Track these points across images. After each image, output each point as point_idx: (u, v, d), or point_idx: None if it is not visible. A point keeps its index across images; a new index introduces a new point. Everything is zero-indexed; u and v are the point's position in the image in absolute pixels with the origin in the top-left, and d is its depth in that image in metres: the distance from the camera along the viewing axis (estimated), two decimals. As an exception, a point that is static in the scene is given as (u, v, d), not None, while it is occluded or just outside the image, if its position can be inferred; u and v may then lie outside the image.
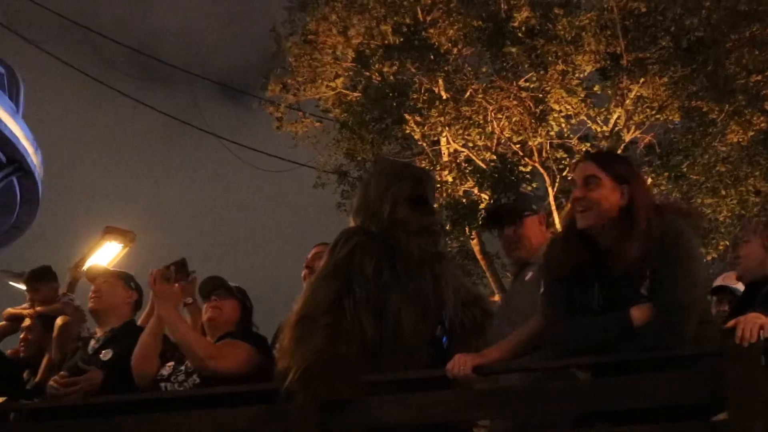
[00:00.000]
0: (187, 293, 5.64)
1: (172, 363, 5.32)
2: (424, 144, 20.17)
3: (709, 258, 18.55)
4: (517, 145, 20.02)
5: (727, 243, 16.61)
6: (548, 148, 19.91)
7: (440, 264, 4.58)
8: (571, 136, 20.06)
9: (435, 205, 4.79)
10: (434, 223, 4.65)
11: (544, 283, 4.24)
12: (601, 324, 4.04)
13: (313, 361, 4.28)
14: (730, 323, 3.88)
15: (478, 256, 20.77)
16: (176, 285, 5.34)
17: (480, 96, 19.61)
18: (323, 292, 4.46)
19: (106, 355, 5.54)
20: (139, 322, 5.96)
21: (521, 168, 19.87)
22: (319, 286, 4.51)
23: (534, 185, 20.34)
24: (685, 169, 19.12)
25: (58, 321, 6.66)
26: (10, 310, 7.60)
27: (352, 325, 4.36)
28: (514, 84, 19.51)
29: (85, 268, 9.92)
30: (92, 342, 5.74)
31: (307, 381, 4.25)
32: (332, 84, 21.41)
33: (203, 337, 5.33)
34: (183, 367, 5.26)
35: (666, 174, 19.16)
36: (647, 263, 4.00)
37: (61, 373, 5.50)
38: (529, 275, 4.56)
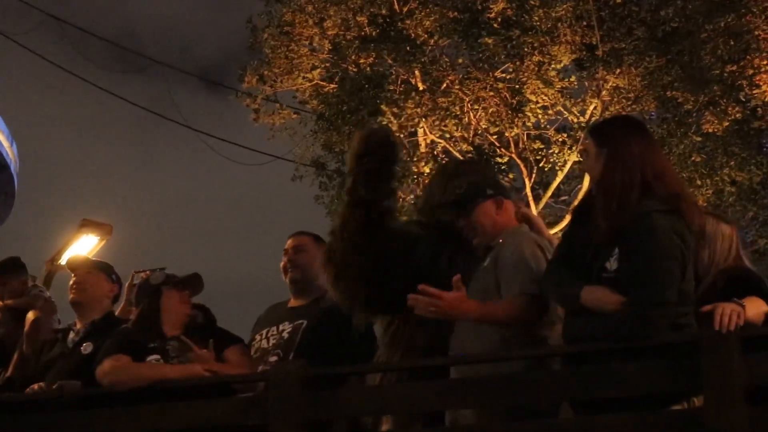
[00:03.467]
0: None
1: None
2: (401, 135, 20.15)
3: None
4: (494, 136, 20.05)
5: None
6: (525, 139, 19.95)
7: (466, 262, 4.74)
8: (548, 127, 20.12)
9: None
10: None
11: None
12: (561, 287, 4.09)
13: None
14: (707, 308, 3.87)
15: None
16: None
17: (456, 87, 19.61)
18: None
19: (86, 348, 5.46)
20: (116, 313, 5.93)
21: (498, 159, 19.91)
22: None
23: (511, 176, 20.39)
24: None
25: (30, 314, 6.58)
26: None
27: None
28: (491, 75, 19.51)
29: (64, 259, 9.87)
30: (71, 334, 5.68)
31: None
32: (309, 75, 21.35)
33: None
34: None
35: (642, 164, 19.18)
36: (616, 242, 3.98)
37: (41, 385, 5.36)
38: (486, 261, 4.58)
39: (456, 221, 4.72)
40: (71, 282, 5.85)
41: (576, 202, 4.69)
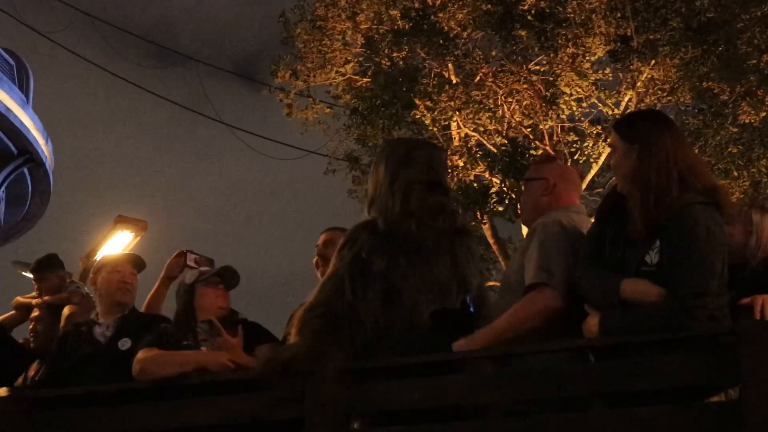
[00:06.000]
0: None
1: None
2: (435, 129, 20.11)
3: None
4: (528, 129, 19.98)
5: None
6: (559, 131, 19.88)
7: (460, 242, 4.57)
8: (582, 119, 20.02)
9: (448, 183, 4.78)
10: (448, 204, 4.62)
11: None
12: (598, 282, 4.08)
13: (292, 356, 4.30)
14: (745, 300, 3.88)
15: (490, 241, 20.77)
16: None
17: (490, 80, 19.55)
18: (328, 289, 4.47)
19: (124, 344, 5.44)
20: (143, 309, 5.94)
21: (532, 152, 19.83)
22: (325, 285, 4.52)
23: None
24: (696, 151, 19.02)
25: (65, 310, 6.63)
26: (18, 298, 7.51)
27: (355, 315, 4.37)
28: (524, 67, 19.44)
29: (100, 255, 9.89)
30: (97, 329, 5.65)
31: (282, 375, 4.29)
32: (342, 70, 21.37)
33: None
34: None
35: (678, 156, 19.05)
36: (657, 236, 3.99)
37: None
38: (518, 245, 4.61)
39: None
40: (117, 279, 5.79)
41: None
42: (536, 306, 4.30)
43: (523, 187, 4.97)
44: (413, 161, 4.58)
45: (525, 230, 5.57)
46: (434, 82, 19.89)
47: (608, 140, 4.12)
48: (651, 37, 18.78)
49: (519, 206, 4.83)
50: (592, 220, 4.58)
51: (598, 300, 4.14)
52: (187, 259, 6.06)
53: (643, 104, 19.35)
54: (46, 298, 7.22)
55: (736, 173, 18.95)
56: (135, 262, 6.03)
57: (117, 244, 12.26)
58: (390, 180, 4.54)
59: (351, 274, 4.43)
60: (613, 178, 4.51)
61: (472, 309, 4.56)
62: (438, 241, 4.49)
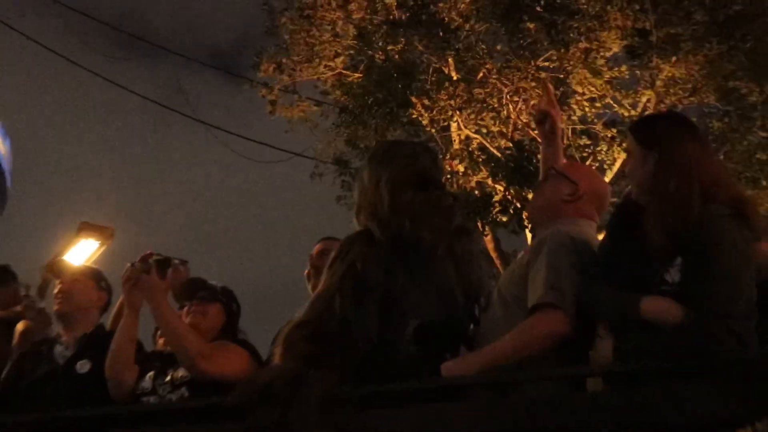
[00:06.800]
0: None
1: (151, 373, 5.28)
2: (433, 130, 20.11)
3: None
4: (535, 132, 19.97)
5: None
6: (570, 134, 19.87)
7: (461, 242, 4.56)
8: (596, 121, 20.01)
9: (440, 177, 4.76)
10: (443, 198, 4.61)
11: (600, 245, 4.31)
12: (613, 302, 4.06)
13: (272, 380, 4.28)
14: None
15: (493, 254, 20.74)
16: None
17: (494, 77, 19.55)
18: (318, 306, 4.45)
19: (83, 366, 5.44)
20: (108, 327, 5.90)
21: (540, 156, 19.77)
22: (315, 301, 4.50)
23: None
24: (721, 158, 19.06)
25: (19, 326, 6.58)
26: None
27: (348, 335, 4.35)
28: (532, 63, 19.44)
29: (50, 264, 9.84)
30: (58, 347, 5.64)
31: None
32: (331, 64, 21.37)
33: (197, 334, 5.26)
34: (168, 378, 5.22)
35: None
36: (678, 252, 3.96)
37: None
38: (520, 254, 4.58)
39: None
40: (56, 290, 5.83)
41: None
42: (544, 329, 4.26)
43: (546, 177, 4.92)
44: (396, 156, 4.61)
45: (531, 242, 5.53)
46: (433, 79, 19.89)
47: (624, 144, 4.10)
48: (672, 31, 18.78)
49: (531, 199, 4.78)
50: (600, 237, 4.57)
51: (612, 321, 4.12)
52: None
53: (662, 105, 19.36)
54: (-2, 313, 7.16)
55: (765, 182, 18.96)
56: (67, 268, 6.06)
57: (81, 253, 12.20)
58: (375, 180, 4.55)
59: (343, 290, 4.41)
60: (628, 187, 4.47)
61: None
62: (436, 241, 4.47)
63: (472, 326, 4.51)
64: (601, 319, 4.18)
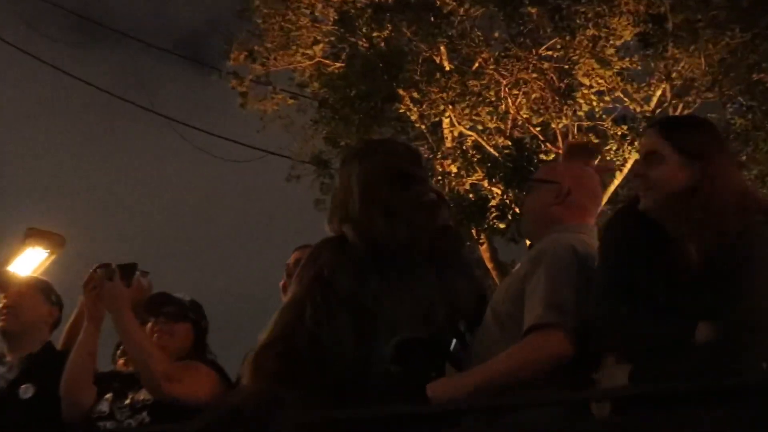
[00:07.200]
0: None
1: (109, 395, 5.26)
2: (423, 126, 20.13)
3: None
4: (537, 128, 20.01)
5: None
6: (575, 131, 19.90)
7: (446, 243, 4.55)
8: (604, 117, 20.06)
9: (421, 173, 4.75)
10: (424, 193, 4.59)
11: (600, 268, 4.24)
12: (666, 332, 4.02)
13: (241, 402, 4.27)
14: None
15: (489, 265, 20.71)
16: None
17: (491, 67, 19.59)
18: (285, 320, 4.44)
19: (26, 391, 5.41)
20: (59, 346, 5.86)
21: (542, 156, 19.85)
22: (282, 314, 4.49)
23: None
24: (744, 158, 19.11)
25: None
26: None
27: (320, 350, 4.33)
28: (534, 53, 19.50)
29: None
30: (1, 368, 5.61)
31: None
32: (309, 52, 21.38)
33: (162, 352, 5.23)
34: (127, 401, 5.20)
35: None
36: (714, 266, 3.96)
37: None
38: (516, 266, 4.56)
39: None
40: (0, 305, 5.79)
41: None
42: (543, 352, 4.24)
43: (528, 190, 4.94)
44: (371, 152, 4.65)
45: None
46: (423, 69, 19.88)
47: (641, 143, 4.08)
48: (690, 17, 18.84)
49: (521, 218, 4.79)
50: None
51: (655, 344, 4.07)
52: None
53: (677, 100, 19.41)
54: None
55: (792, 185, 19.04)
56: (12, 280, 6.03)
57: (28, 263, 12.17)
58: (346, 177, 4.58)
59: (313, 299, 4.40)
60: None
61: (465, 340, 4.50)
62: (414, 241, 4.45)
63: (455, 342, 4.49)
64: (611, 343, 4.15)
